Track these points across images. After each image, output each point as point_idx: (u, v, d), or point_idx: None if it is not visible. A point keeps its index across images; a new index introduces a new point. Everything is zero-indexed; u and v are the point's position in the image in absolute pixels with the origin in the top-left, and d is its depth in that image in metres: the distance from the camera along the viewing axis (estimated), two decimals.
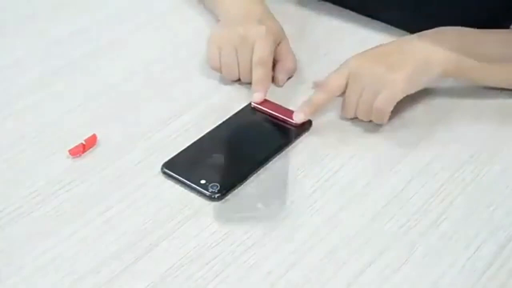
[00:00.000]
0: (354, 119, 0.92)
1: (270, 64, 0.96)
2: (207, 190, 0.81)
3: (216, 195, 0.81)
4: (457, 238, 0.77)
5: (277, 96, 0.96)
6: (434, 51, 0.88)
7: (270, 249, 0.77)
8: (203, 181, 0.82)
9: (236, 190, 0.83)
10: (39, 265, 0.76)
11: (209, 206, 0.81)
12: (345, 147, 0.89)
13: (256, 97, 0.93)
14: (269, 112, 0.92)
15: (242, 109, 0.93)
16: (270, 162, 0.86)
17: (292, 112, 0.91)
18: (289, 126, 0.90)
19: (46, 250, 0.77)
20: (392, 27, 1.07)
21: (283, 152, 0.87)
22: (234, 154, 0.87)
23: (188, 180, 0.83)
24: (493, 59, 0.90)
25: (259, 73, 0.94)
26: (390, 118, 0.90)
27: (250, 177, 0.84)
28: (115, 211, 0.82)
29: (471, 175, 0.84)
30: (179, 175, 0.84)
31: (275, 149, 0.87)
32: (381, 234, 0.78)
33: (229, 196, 0.82)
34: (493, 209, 0.80)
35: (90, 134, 0.90)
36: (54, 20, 1.16)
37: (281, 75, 0.98)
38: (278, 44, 0.99)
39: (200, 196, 0.82)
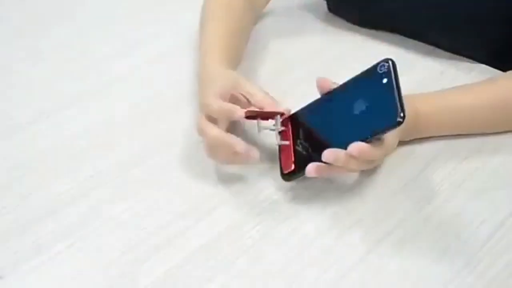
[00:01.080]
0: None
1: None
2: None
3: None
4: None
5: None
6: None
7: (271, 247, 0.77)
8: None
9: None
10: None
11: (209, 207, 0.82)
12: None
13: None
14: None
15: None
16: None
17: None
18: None
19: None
20: (405, 38, 1.07)
21: None
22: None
23: None
24: None
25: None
26: None
27: None
28: (121, 211, 0.82)
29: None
30: None
31: None
32: (395, 209, 0.80)
33: None
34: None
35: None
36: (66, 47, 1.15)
37: None
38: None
39: None
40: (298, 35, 1.10)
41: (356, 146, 0.74)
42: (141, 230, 0.80)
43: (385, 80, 0.73)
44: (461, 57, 1.02)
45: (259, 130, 0.82)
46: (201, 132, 0.83)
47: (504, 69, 0.93)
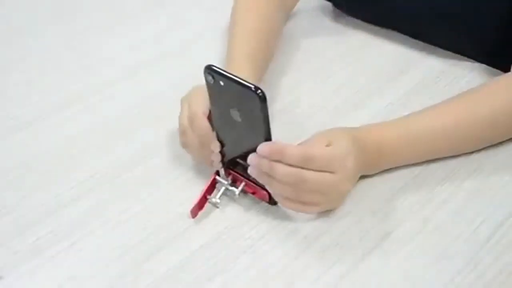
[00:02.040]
0: None
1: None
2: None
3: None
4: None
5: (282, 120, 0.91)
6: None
7: (271, 247, 0.77)
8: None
9: None
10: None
11: (209, 207, 0.82)
12: None
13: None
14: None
15: None
16: None
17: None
18: None
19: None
20: (405, 37, 1.07)
21: None
22: None
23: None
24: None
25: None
26: None
27: None
28: (121, 211, 0.82)
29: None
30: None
31: None
32: (395, 210, 0.80)
33: None
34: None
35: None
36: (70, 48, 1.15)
37: None
38: None
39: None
40: (302, 32, 1.10)
41: (263, 145, 0.73)
42: (141, 230, 0.80)
43: (221, 83, 0.73)
44: (461, 57, 1.02)
45: (218, 201, 0.81)
46: (194, 116, 0.80)
47: (503, 69, 0.93)
